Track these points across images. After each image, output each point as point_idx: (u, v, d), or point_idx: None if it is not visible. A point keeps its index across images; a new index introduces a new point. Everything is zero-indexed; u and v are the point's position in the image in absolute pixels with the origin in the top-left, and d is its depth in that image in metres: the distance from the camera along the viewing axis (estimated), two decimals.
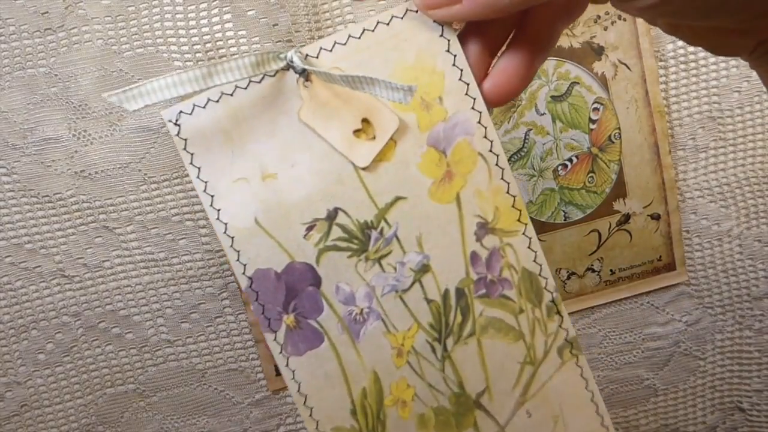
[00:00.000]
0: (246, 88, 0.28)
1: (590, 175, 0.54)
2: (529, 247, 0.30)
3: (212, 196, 0.29)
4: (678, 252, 0.56)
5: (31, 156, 0.50)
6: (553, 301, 0.30)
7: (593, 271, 0.56)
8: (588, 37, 0.53)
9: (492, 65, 0.31)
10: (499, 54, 0.31)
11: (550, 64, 0.53)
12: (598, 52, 0.53)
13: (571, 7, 0.32)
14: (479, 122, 0.29)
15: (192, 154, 0.28)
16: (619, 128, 0.54)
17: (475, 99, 0.29)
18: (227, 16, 0.50)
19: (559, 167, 0.54)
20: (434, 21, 0.29)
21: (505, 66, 0.30)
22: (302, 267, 0.29)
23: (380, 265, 0.29)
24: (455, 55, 0.29)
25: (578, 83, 0.53)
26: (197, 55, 0.50)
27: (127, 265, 0.52)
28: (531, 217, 0.54)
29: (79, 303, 0.52)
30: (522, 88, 0.31)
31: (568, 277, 0.55)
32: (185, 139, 0.28)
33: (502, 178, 0.30)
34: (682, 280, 0.57)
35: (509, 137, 0.53)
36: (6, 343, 0.52)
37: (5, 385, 0.52)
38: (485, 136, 0.29)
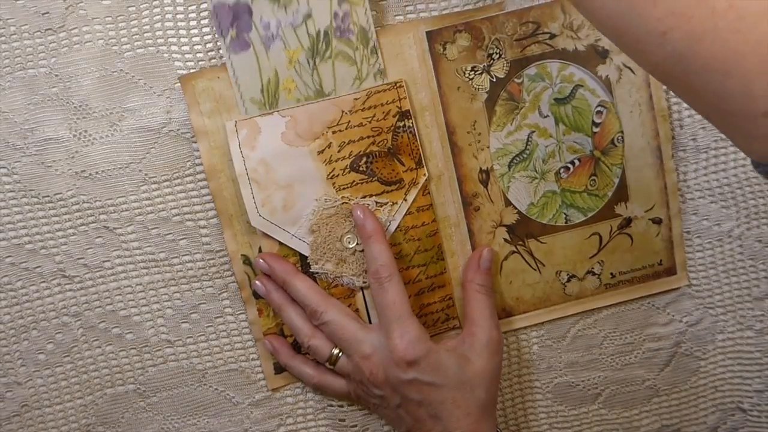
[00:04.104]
0: None
1: (592, 178, 0.54)
2: (365, 13, 0.50)
3: None
4: (679, 256, 0.56)
5: (32, 156, 0.50)
6: (374, 44, 0.50)
7: (593, 274, 0.55)
8: (593, 40, 0.52)
9: None
10: None
11: (554, 66, 0.52)
12: (603, 55, 0.53)
13: None
14: None
15: None
16: (621, 131, 0.54)
17: None
18: None
19: (562, 170, 0.54)
20: None
21: None
22: (244, 3, 0.48)
23: (285, 9, 0.49)
24: None
25: (582, 86, 0.53)
26: (198, 55, 0.50)
27: (127, 266, 0.52)
28: (532, 219, 0.54)
29: (80, 303, 0.52)
30: None
31: (569, 280, 0.55)
32: None
33: None
34: (683, 284, 0.57)
35: (512, 139, 0.53)
36: (6, 344, 0.52)
37: (5, 386, 0.52)
38: None
